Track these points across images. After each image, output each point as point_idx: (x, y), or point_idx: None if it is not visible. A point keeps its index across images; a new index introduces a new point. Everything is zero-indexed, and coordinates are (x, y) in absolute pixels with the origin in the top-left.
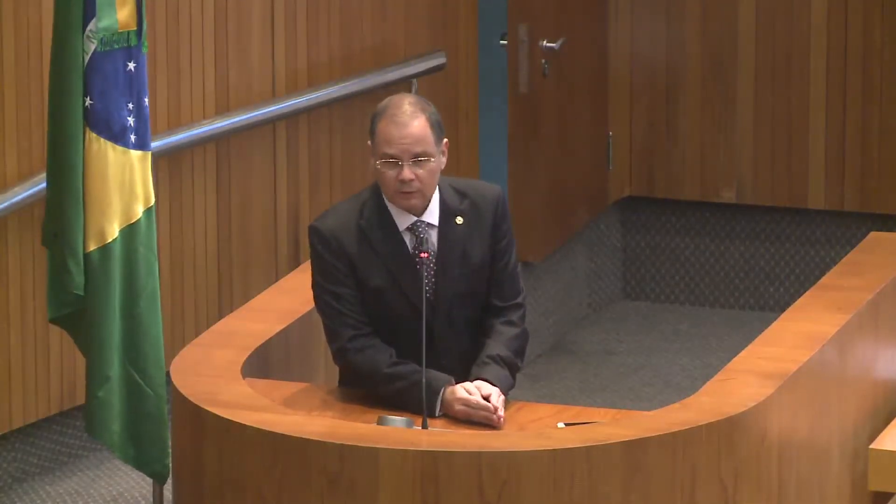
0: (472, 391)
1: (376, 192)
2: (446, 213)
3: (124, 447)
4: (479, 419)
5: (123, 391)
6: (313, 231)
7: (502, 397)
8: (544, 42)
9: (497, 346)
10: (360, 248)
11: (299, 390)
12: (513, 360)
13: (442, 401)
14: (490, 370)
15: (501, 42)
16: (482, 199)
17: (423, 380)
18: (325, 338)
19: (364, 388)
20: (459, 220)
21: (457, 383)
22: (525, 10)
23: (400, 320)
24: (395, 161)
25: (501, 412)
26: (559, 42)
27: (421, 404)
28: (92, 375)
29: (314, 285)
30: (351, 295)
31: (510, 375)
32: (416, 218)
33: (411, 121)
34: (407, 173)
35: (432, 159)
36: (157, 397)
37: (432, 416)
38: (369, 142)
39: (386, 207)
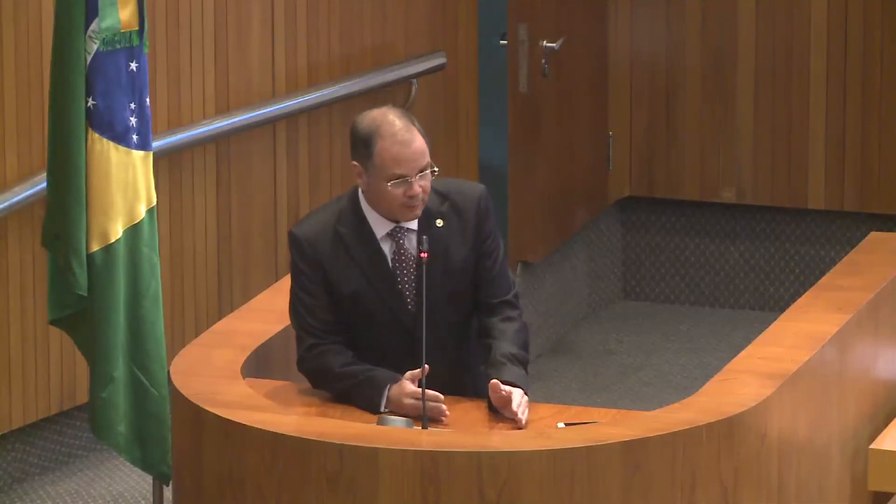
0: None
1: (354, 198)
2: (426, 216)
3: (130, 449)
4: (428, 412)
5: (128, 391)
6: (290, 237)
7: (525, 398)
8: (544, 42)
9: (505, 344)
10: (335, 255)
11: (299, 390)
12: (524, 356)
13: (388, 398)
14: (509, 371)
15: (501, 42)
16: (464, 200)
17: (423, 380)
18: None
19: (325, 391)
20: (440, 222)
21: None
22: (525, 10)
23: (379, 325)
24: (405, 179)
25: (526, 413)
26: (559, 42)
27: (367, 403)
28: (96, 376)
29: (290, 290)
30: (315, 305)
31: (526, 373)
32: (394, 224)
33: (412, 136)
34: (416, 188)
35: (433, 168)
36: (160, 397)
37: (376, 411)
38: (355, 162)
39: (363, 215)
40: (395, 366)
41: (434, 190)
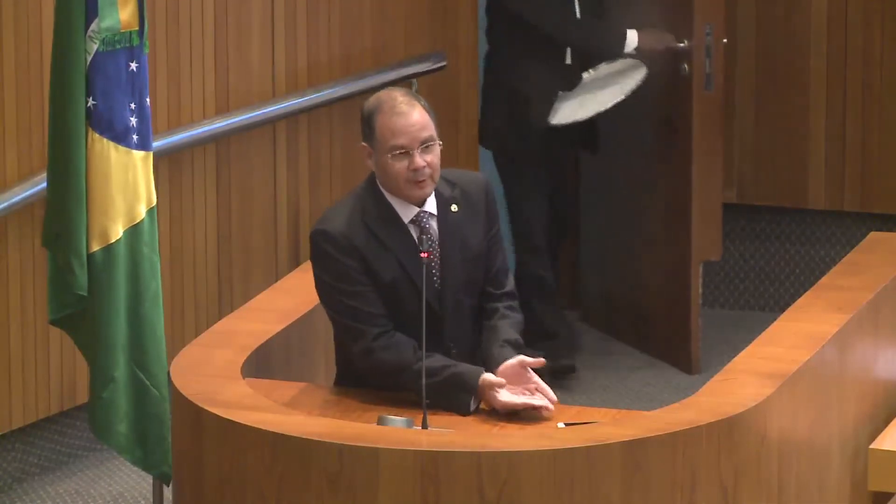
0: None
1: (372, 189)
2: (442, 201)
3: (132, 449)
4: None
5: (129, 392)
6: (321, 234)
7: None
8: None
9: (509, 331)
10: (369, 244)
11: (299, 390)
12: (522, 344)
13: (482, 389)
14: (508, 354)
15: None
16: (471, 187)
17: (423, 378)
18: (331, 338)
19: (391, 385)
20: (454, 207)
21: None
22: (709, 10)
23: (411, 311)
24: (406, 151)
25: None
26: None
27: (455, 400)
28: (96, 376)
29: (325, 289)
30: (368, 292)
31: None
32: (418, 209)
33: (411, 109)
34: (419, 161)
35: (438, 143)
36: (161, 397)
37: (466, 412)
38: (364, 143)
39: (387, 202)
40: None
41: (442, 177)
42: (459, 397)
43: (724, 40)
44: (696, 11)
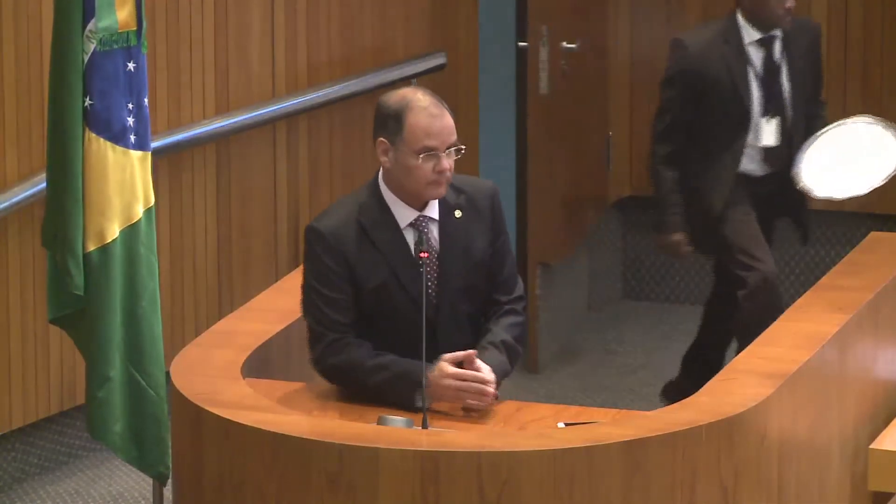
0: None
1: (374, 190)
2: (445, 207)
3: (127, 448)
4: (472, 392)
5: (125, 392)
6: (312, 231)
7: (493, 376)
8: (564, 43)
9: (499, 332)
10: (359, 247)
11: (299, 390)
12: (513, 345)
13: (428, 385)
14: (488, 354)
15: (521, 44)
16: (478, 194)
17: (424, 380)
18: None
19: (348, 387)
20: (458, 213)
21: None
22: (545, 11)
23: (402, 317)
24: (435, 152)
25: (491, 388)
26: (578, 43)
27: (403, 396)
28: (92, 376)
29: (305, 286)
30: (341, 300)
31: (508, 362)
32: (417, 213)
33: (443, 112)
34: (445, 163)
35: (462, 147)
36: (158, 398)
37: (412, 408)
38: (382, 138)
39: (386, 205)
40: (414, 355)
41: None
42: (405, 392)
43: (571, 45)
44: (532, 13)
